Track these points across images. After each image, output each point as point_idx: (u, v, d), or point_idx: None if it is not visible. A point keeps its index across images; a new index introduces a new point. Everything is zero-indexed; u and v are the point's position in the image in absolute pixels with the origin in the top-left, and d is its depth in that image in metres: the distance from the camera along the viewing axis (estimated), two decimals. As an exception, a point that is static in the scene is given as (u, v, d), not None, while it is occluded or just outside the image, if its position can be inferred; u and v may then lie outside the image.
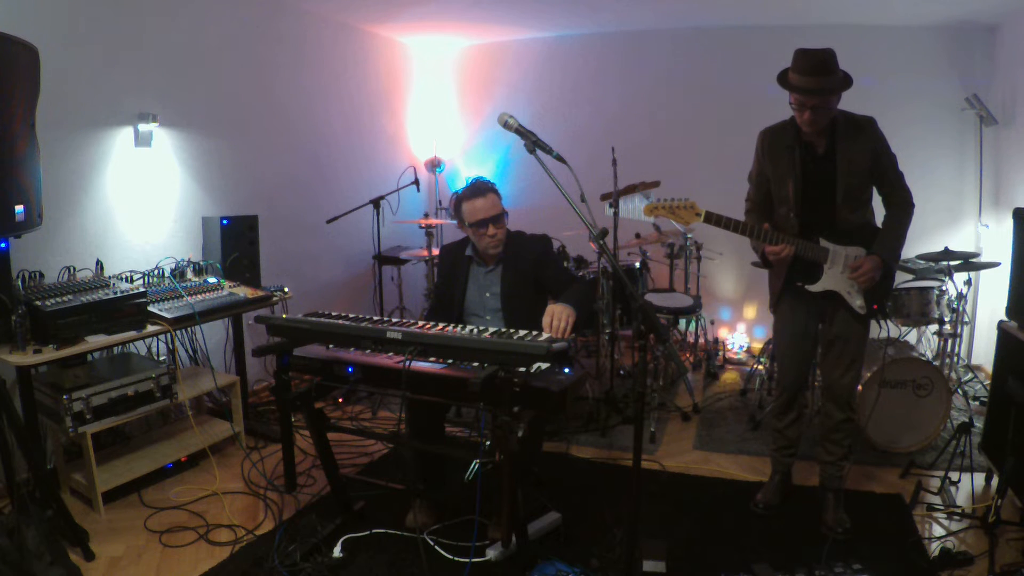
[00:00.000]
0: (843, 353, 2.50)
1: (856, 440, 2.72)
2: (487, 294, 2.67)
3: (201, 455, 3.04)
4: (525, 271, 2.63)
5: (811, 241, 2.39)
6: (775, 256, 2.39)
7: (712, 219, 2.35)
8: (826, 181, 2.37)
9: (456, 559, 2.30)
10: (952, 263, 3.47)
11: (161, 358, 3.16)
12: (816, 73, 2.21)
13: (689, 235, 4.27)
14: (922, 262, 3.62)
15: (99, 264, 2.95)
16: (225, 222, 3.43)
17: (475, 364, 2.02)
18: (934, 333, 3.70)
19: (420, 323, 2.22)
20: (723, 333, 5.14)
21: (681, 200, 2.38)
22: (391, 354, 2.16)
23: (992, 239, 4.29)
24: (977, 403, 3.73)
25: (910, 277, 3.55)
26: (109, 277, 2.91)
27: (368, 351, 2.20)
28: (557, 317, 2.13)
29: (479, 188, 2.58)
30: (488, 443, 1.96)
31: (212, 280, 3.22)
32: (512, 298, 2.62)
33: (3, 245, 2.36)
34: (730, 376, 4.51)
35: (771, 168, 2.46)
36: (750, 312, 5.15)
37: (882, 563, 2.27)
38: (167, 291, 2.96)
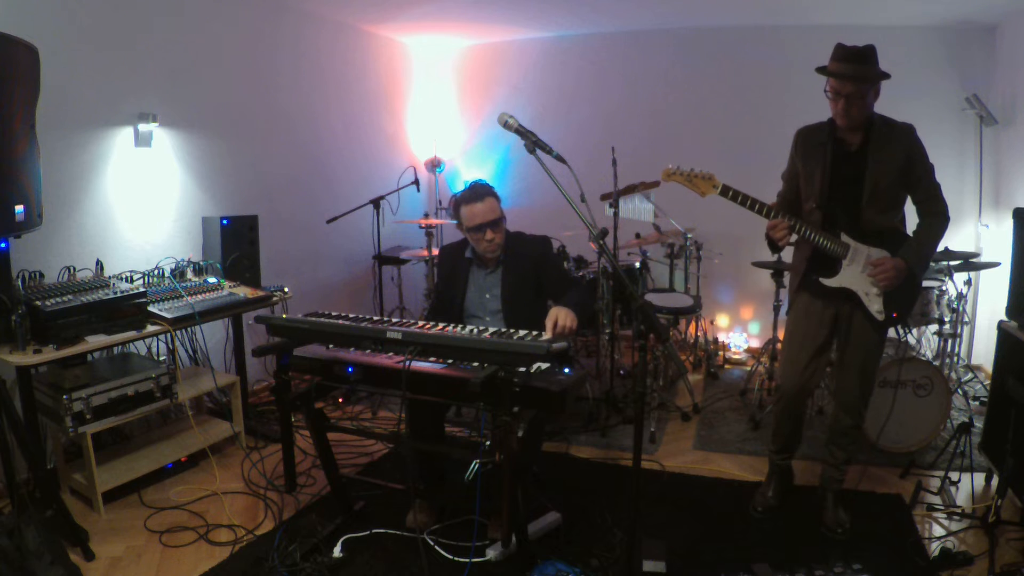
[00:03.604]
0: (855, 360, 2.46)
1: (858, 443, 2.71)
2: (487, 296, 2.67)
3: (201, 455, 3.04)
4: (525, 273, 2.62)
5: (833, 235, 2.37)
6: (773, 231, 2.37)
7: (728, 193, 2.34)
8: (854, 178, 2.35)
9: (456, 559, 2.30)
10: (952, 263, 3.47)
11: (161, 358, 3.16)
12: (853, 61, 2.23)
13: (689, 235, 4.27)
14: (922, 262, 3.62)
15: (99, 264, 2.95)
16: (225, 222, 3.43)
17: (475, 364, 2.02)
18: (934, 333, 3.70)
19: (420, 323, 2.22)
20: (723, 333, 5.14)
21: (700, 170, 2.38)
22: (391, 354, 2.16)
23: (992, 239, 4.29)
24: (977, 403, 3.73)
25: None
26: (109, 277, 2.91)
27: (368, 351, 2.20)
28: (561, 320, 2.12)
29: (478, 192, 2.56)
30: (488, 443, 1.96)
31: (212, 280, 3.22)
32: (513, 300, 2.62)
33: (3, 245, 2.36)
34: (730, 376, 4.52)
35: (802, 164, 2.45)
36: (749, 312, 5.15)
37: (882, 563, 2.27)
38: (167, 291, 2.96)
